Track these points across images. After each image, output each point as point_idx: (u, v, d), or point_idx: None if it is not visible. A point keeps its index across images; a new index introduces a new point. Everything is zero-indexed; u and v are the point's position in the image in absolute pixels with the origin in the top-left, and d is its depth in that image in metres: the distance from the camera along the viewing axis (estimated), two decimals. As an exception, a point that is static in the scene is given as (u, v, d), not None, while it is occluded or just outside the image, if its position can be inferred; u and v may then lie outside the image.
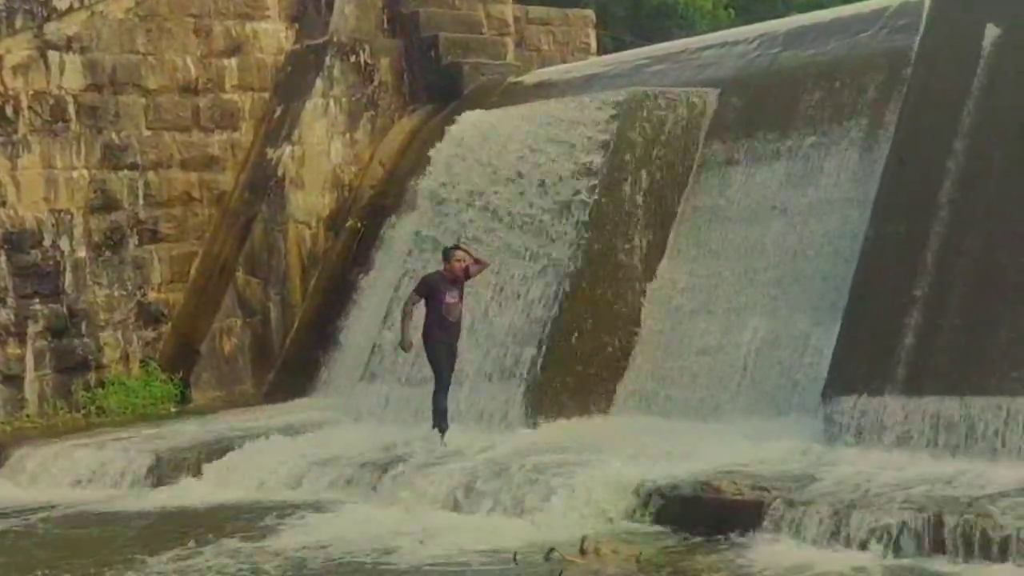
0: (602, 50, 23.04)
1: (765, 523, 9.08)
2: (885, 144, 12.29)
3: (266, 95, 18.75)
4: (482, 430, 12.95)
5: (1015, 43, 11.29)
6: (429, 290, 12.86)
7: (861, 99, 13.27)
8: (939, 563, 8.25)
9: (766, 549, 8.83)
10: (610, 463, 10.68)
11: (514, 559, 9.05)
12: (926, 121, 11.63)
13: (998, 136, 11.02)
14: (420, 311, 12.90)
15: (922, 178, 11.30)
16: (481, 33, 19.84)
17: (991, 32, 11.43)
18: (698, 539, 9.34)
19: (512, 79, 18.63)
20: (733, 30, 17.79)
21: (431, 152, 15.96)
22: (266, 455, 12.86)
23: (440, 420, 12.66)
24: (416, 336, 12.89)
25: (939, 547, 8.35)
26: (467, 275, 13.00)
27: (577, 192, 13.89)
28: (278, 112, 18.58)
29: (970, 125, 11.21)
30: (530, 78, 18.59)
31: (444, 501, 10.84)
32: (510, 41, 20.30)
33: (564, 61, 21.08)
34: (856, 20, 14.34)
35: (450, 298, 12.79)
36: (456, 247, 13.30)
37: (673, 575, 8.58)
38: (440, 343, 12.79)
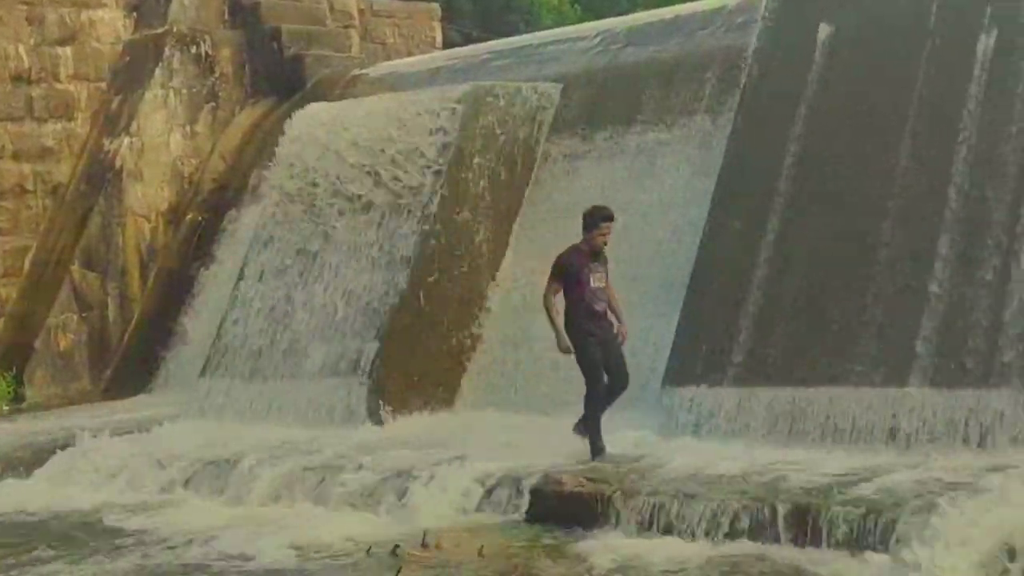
0: (449, 44, 23.04)
1: (605, 515, 9.18)
2: (724, 140, 12.49)
3: (103, 85, 18.37)
4: (327, 425, 12.85)
5: (847, 41, 11.59)
6: (567, 273, 10.58)
7: (701, 96, 13.48)
8: (773, 550, 8.40)
9: (606, 540, 8.92)
10: (455, 457, 10.67)
11: (367, 553, 9.00)
12: (763, 117, 11.87)
13: (831, 132, 11.29)
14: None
15: (759, 173, 11.53)
16: (325, 25, 19.70)
17: (824, 31, 11.71)
18: (541, 532, 9.38)
19: (356, 72, 18.52)
20: (576, 26, 17.98)
21: (275, 145, 15.78)
22: (102, 454, 12.57)
23: (595, 437, 10.48)
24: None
25: (773, 535, 8.51)
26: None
27: (421, 186, 13.85)
28: (116, 103, 18.21)
29: (805, 121, 11.47)
30: (374, 71, 18.50)
31: (290, 497, 10.74)
32: (355, 34, 20.19)
33: (410, 54, 21.02)
34: (696, 18, 14.55)
35: (595, 280, 10.55)
36: (605, 215, 10.74)
37: (514, 567, 8.61)
38: (589, 338, 10.50)
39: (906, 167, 10.69)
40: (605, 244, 10.63)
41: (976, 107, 10.56)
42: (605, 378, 10.56)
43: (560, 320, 10.52)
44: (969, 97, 10.60)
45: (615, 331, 10.65)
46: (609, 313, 10.64)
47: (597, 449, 10.39)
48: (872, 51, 11.38)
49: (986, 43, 10.71)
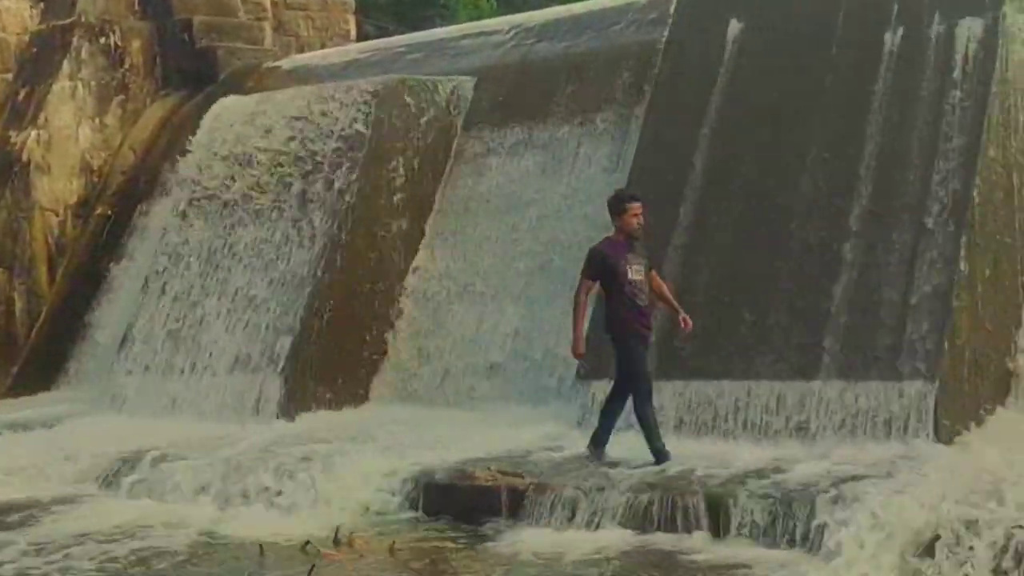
0: (364, 38, 22.90)
1: (519, 509, 9.18)
2: (636, 135, 12.57)
3: (9, 76, 18.03)
4: (238, 421, 12.75)
5: (757, 37, 11.70)
6: (602, 267, 9.73)
7: (613, 91, 13.54)
8: (687, 542, 8.46)
9: (520, 534, 8.91)
10: (367, 453, 10.64)
11: (303, 548, 8.90)
12: (674, 113, 11.96)
13: (741, 128, 11.40)
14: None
15: (670, 169, 11.60)
16: (237, 17, 19.45)
17: (734, 27, 11.81)
18: (454, 527, 9.38)
19: (269, 64, 18.38)
20: (490, 21, 17.95)
21: (186, 138, 15.62)
22: (6, 451, 12.35)
23: (655, 439, 9.63)
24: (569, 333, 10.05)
25: (687, 526, 8.57)
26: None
27: (334, 179, 13.79)
28: (22, 95, 17.89)
29: (715, 117, 11.57)
30: (287, 64, 18.37)
31: (197, 494, 10.61)
32: (268, 26, 19.97)
33: (323, 47, 20.87)
34: (608, 13, 14.61)
35: (634, 272, 9.70)
36: (629, 194, 10.06)
37: (427, 563, 8.60)
38: (637, 337, 9.72)
39: (815, 162, 10.82)
40: (640, 226, 9.84)
41: (883, 102, 10.72)
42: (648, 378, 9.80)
43: (583, 324, 9.70)
44: (876, 92, 10.76)
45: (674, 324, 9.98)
46: (654, 306, 9.93)
47: (660, 452, 9.55)
48: (781, 47, 11.51)
49: (892, 40, 10.88)
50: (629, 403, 9.95)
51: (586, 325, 9.92)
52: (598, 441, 9.95)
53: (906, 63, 10.73)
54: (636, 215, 9.75)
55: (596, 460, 9.82)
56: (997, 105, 10.29)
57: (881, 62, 10.84)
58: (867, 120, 10.68)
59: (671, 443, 9.86)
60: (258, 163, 14.50)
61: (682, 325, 9.99)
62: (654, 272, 10.08)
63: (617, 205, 9.87)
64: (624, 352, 9.76)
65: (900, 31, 10.88)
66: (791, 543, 8.08)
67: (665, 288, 10.16)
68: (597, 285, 9.87)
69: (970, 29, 10.54)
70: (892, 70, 10.76)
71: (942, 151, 10.23)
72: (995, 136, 10.24)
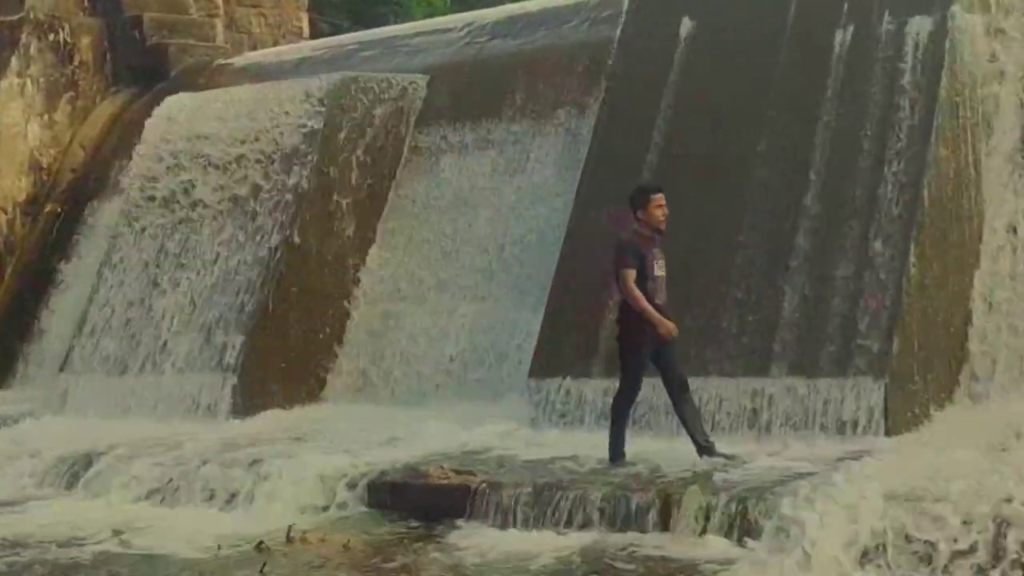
0: (318, 35, 22.83)
1: (471, 507, 9.15)
2: (589, 133, 12.58)
3: (-43, 74, 17.87)
4: (190, 420, 12.68)
5: (709, 35, 11.74)
6: (636, 255, 9.32)
7: (566, 89, 13.56)
8: (641, 539, 8.46)
9: (473, 532, 8.89)
10: (321, 451, 10.60)
11: (257, 547, 8.84)
12: (627, 111, 11.97)
13: (694, 126, 11.44)
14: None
15: (623, 167, 11.60)
16: (188, 14, 19.37)
17: (687, 25, 11.85)
18: (407, 525, 9.34)
19: (221, 61, 18.30)
20: (443, 18, 17.94)
21: (137, 135, 15.51)
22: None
23: (616, 441, 9.58)
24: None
25: (640, 524, 8.56)
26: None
27: (286, 177, 13.73)
28: (-30, 92, 17.73)
29: (668, 115, 11.59)
30: (239, 61, 18.30)
31: (150, 494, 10.55)
32: (219, 23, 19.89)
33: (276, 44, 20.79)
34: (561, 11, 14.63)
35: (658, 268, 9.37)
36: (653, 186, 9.71)
37: (380, 561, 8.57)
38: (649, 340, 9.33)
39: (766, 160, 10.87)
40: (665, 217, 9.42)
41: (834, 100, 10.78)
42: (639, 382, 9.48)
43: (642, 302, 9.18)
44: (826, 90, 10.82)
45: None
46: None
47: (616, 455, 9.49)
48: (733, 45, 11.54)
49: (843, 37, 10.95)
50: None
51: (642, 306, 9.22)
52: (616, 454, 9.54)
53: (856, 61, 10.80)
54: (660, 206, 9.39)
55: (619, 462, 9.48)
56: (946, 104, 10.37)
57: (831, 60, 10.91)
58: (818, 118, 10.74)
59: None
60: (209, 161, 14.41)
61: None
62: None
63: (640, 197, 9.47)
64: (631, 357, 9.44)
65: (850, 29, 10.95)
66: (741, 540, 8.09)
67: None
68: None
69: (919, 27, 10.62)
70: (843, 68, 10.83)
71: (892, 150, 10.30)
72: (944, 135, 10.32)
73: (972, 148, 10.59)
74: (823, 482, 8.15)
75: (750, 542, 7.93)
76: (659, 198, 9.42)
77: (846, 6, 11.04)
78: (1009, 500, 7.31)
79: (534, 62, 14.08)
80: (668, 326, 9.21)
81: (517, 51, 14.48)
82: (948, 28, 10.51)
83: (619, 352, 9.60)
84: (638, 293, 9.20)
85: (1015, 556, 7.02)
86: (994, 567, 7.04)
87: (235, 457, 10.74)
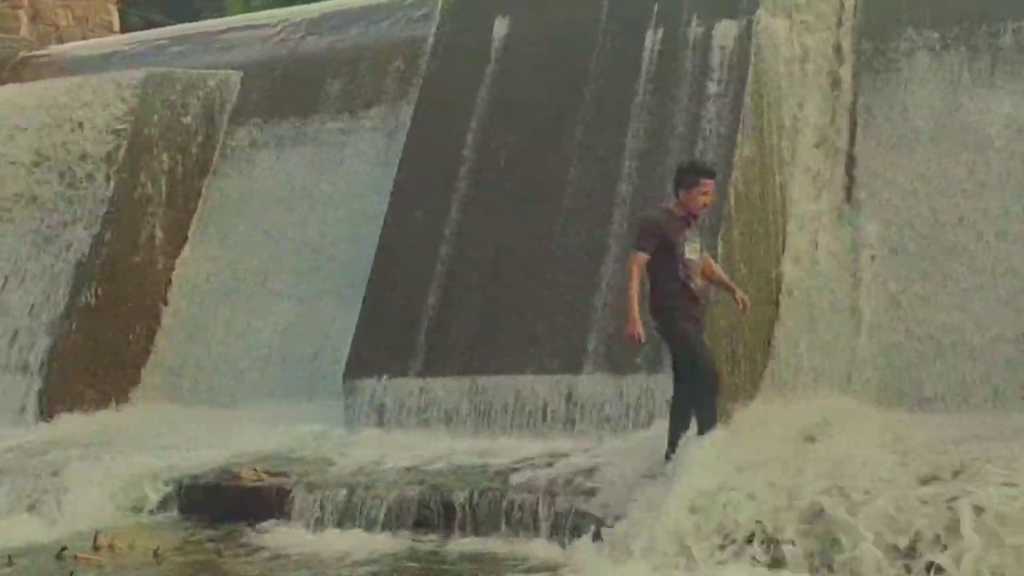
0: (129, 29, 22.28)
1: (285, 509, 9.06)
2: (405, 131, 12.54)
3: None
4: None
5: (523, 36, 11.82)
6: (658, 239, 8.30)
7: (381, 87, 13.55)
8: (454, 539, 8.49)
9: (286, 534, 8.82)
10: (131, 454, 10.38)
11: (59, 555, 8.56)
12: (442, 110, 11.96)
13: (508, 126, 11.49)
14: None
15: (438, 166, 11.61)
16: (-10, 4, 18.71)
17: (501, 24, 11.91)
18: (220, 528, 9.20)
19: (24, 55, 17.72)
20: (257, 14, 17.74)
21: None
22: None
23: (674, 437, 8.40)
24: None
25: (453, 524, 8.60)
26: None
27: (93, 176, 13.41)
28: None
29: (482, 115, 11.63)
30: (45, 54, 17.74)
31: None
32: (23, 14, 19.21)
33: (84, 38, 20.22)
34: (377, 9, 14.58)
35: (691, 251, 8.38)
36: (706, 168, 8.68)
37: (191, 565, 8.42)
38: (687, 320, 8.33)
39: (578, 161, 10.97)
40: (706, 207, 8.52)
41: (645, 101, 10.95)
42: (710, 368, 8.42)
43: (639, 297, 8.19)
44: (638, 92, 10.99)
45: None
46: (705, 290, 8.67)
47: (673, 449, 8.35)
48: (547, 45, 11.64)
49: (653, 39, 11.13)
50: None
51: (639, 299, 8.24)
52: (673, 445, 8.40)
53: (666, 63, 11.00)
54: (706, 193, 8.37)
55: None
56: (752, 105, 10.63)
57: (642, 62, 11.08)
58: (629, 119, 10.90)
59: (444, 440, 9.95)
60: (13, 159, 13.98)
61: (739, 306, 8.81)
62: (707, 255, 8.81)
63: (687, 177, 8.40)
64: (679, 341, 8.37)
65: (660, 32, 11.14)
66: (559, 536, 8.17)
67: (719, 271, 8.94)
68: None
69: (726, 31, 10.86)
70: (653, 70, 11.02)
71: (700, 149, 10.50)
72: (751, 135, 10.57)
73: (778, 147, 10.88)
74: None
75: (569, 538, 8.00)
76: (708, 184, 8.40)
77: (656, 8, 11.24)
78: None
79: (349, 59, 14.01)
80: (635, 329, 8.15)
81: (332, 48, 14.37)
82: (753, 32, 10.77)
83: (667, 342, 8.59)
84: (636, 280, 8.17)
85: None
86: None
87: (38, 461, 10.45)
